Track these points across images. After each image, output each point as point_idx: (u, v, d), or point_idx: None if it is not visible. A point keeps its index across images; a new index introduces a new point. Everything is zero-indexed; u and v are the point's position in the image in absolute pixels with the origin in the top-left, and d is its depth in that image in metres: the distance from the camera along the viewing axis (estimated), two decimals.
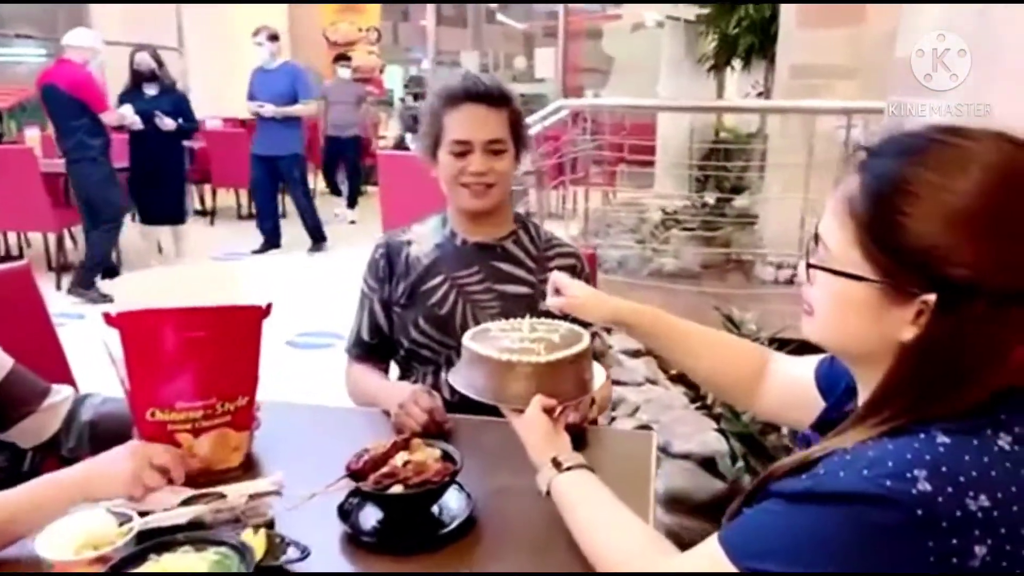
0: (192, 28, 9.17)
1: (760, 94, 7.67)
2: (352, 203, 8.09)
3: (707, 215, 5.56)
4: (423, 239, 1.56)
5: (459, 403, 1.27)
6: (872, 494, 0.66)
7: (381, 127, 10.40)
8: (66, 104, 4.69)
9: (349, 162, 8.02)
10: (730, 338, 1.19)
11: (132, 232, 6.07)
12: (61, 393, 1.23)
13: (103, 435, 1.16)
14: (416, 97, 9.39)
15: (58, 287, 5.01)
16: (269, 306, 1.15)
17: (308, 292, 5.18)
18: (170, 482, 1.03)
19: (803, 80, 4.53)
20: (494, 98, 1.44)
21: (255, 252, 6.36)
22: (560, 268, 1.52)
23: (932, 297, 0.70)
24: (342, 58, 8.40)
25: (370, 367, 1.57)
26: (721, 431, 2.12)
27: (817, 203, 4.18)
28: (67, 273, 5.14)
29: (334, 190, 8.40)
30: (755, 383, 1.12)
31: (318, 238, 6.48)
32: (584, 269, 1.55)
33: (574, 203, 5.05)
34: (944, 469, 0.66)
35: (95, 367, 1.07)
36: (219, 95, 8.48)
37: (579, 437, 1.29)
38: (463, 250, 1.53)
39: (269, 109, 5.87)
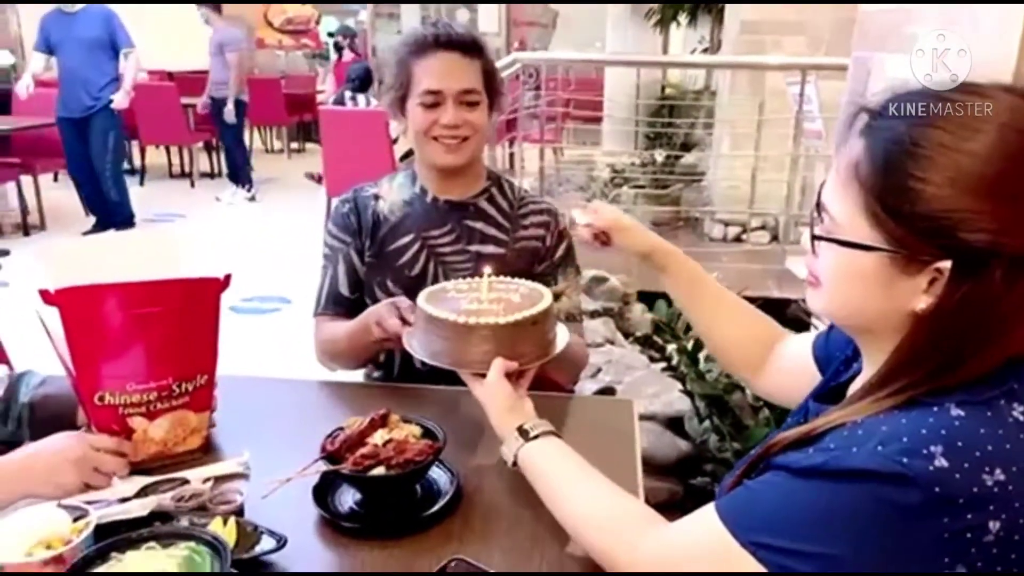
0: None
1: (706, 50, 7.67)
2: (242, 178, 6.74)
3: (656, 172, 5.55)
4: (391, 195, 1.47)
5: (427, 372, 1.21)
6: (888, 472, 0.64)
7: (318, 82, 10.04)
8: None
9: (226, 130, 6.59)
10: (751, 309, 1.14)
11: (56, 192, 5.74)
12: None
13: (44, 419, 1.06)
14: (340, 51, 8.53)
15: None
16: (228, 277, 1.05)
17: (250, 254, 4.99)
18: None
19: (752, 35, 4.52)
20: (467, 46, 1.35)
21: (85, 233, 5.27)
22: (535, 225, 1.46)
23: (947, 264, 0.66)
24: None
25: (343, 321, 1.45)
26: (686, 391, 2.11)
27: (768, 159, 4.21)
28: None
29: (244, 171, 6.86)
30: (763, 360, 1.09)
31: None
32: (559, 226, 1.48)
33: (522, 161, 4.96)
34: (960, 444, 0.64)
35: (28, 341, 0.95)
36: (142, 46, 8.00)
37: (558, 407, 1.25)
38: (434, 208, 1.44)
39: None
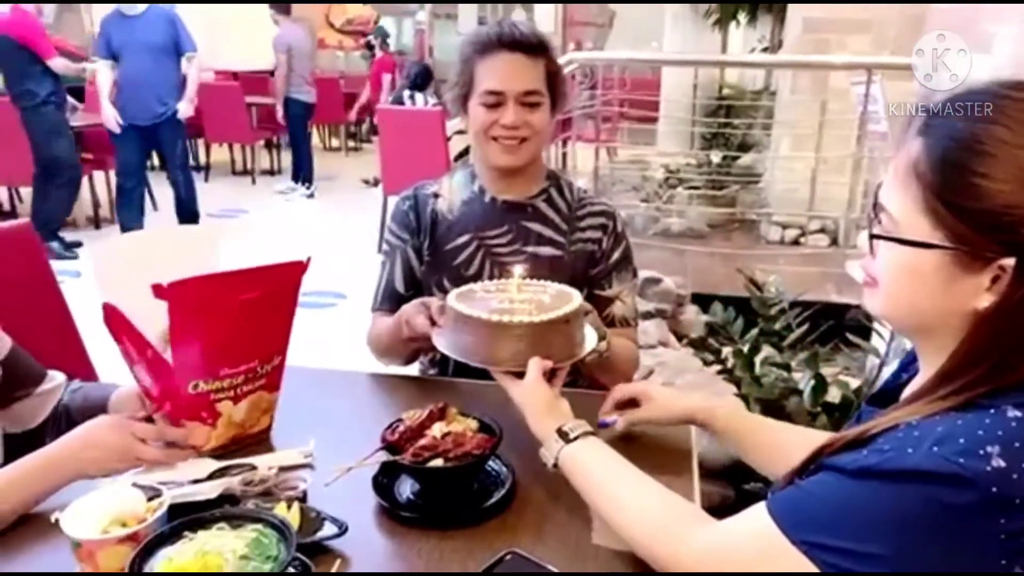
0: None
1: (766, 49, 7.53)
2: (306, 177, 7.00)
3: (711, 173, 5.47)
4: (450, 193, 1.48)
5: (483, 369, 1.23)
6: (945, 472, 0.63)
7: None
8: (14, 52, 4.63)
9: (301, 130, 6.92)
10: (796, 434, 1.09)
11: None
12: (55, 380, 1.16)
13: (78, 422, 1.10)
14: (372, 50, 8.18)
15: None
16: (308, 259, 1.09)
17: (307, 250, 5.09)
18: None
19: (816, 34, 4.42)
20: (530, 46, 1.35)
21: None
22: (592, 227, 1.46)
23: (1011, 261, 0.66)
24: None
25: None
26: (741, 396, 2.09)
27: (829, 161, 4.12)
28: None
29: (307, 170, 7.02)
30: None
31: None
32: (617, 227, 1.48)
33: (575, 161, 4.95)
34: (1018, 445, 0.64)
35: (100, 328, 1.00)
36: (209, 47, 8.25)
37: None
38: (492, 208, 1.45)
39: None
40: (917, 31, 2.07)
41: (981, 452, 0.63)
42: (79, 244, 4.96)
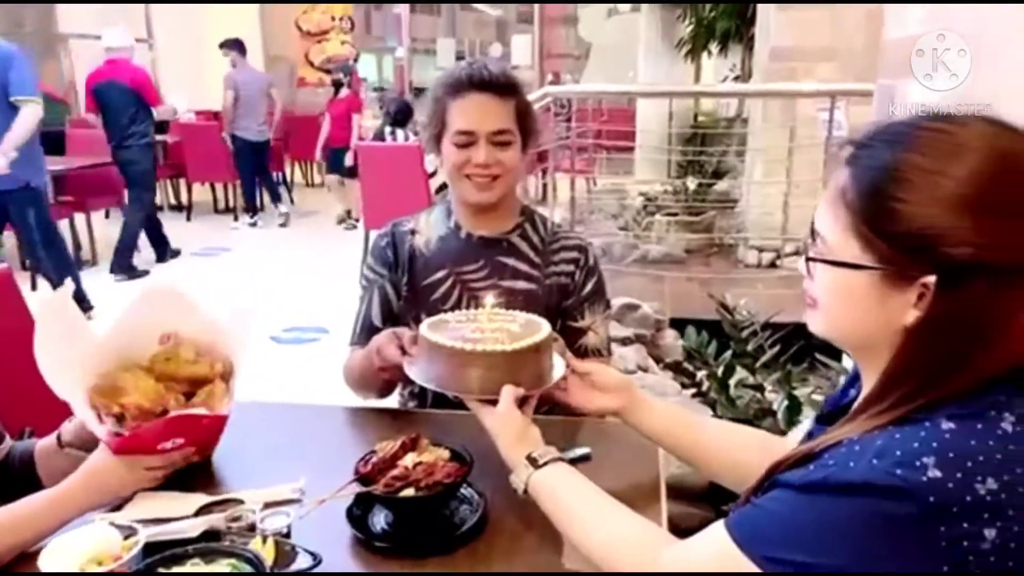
0: (161, 20, 9.00)
1: (737, 78, 7.70)
2: (277, 197, 7.45)
3: (688, 200, 5.57)
4: (427, 230, 1.53)
5: (461, 401, 1.25)
6: (884, 485, 0.67)
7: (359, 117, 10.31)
8: (124, 97, 5.28)
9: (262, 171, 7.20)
10: (737, 434, 1.13)
11: (109, 228, 5.97)
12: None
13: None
14: (338, 87, 7.41)
15: (33, 287, 4.88)
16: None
17: (289, 285, 5.12)
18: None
19: (783, 63, 4.54)
20: (500, 87, 1.39)
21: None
22: (565, 261, 1.50)
23: (932, 278, 0.70)
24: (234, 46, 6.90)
25: None
26: (717, 417, 2.12)
27: (801, 186, 4.21)
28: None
29: (249, 202, 7.33)
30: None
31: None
32: (589, 261, 1.52)
33: (554, 191, 5.03)
34: (952, 455, 0.67)
35: None
36: (190, 87, 8.32)
37: (581, 430, 1.27)
38: (468, 244, 1.49)
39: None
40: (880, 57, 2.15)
41: (917, 464, 0.66)
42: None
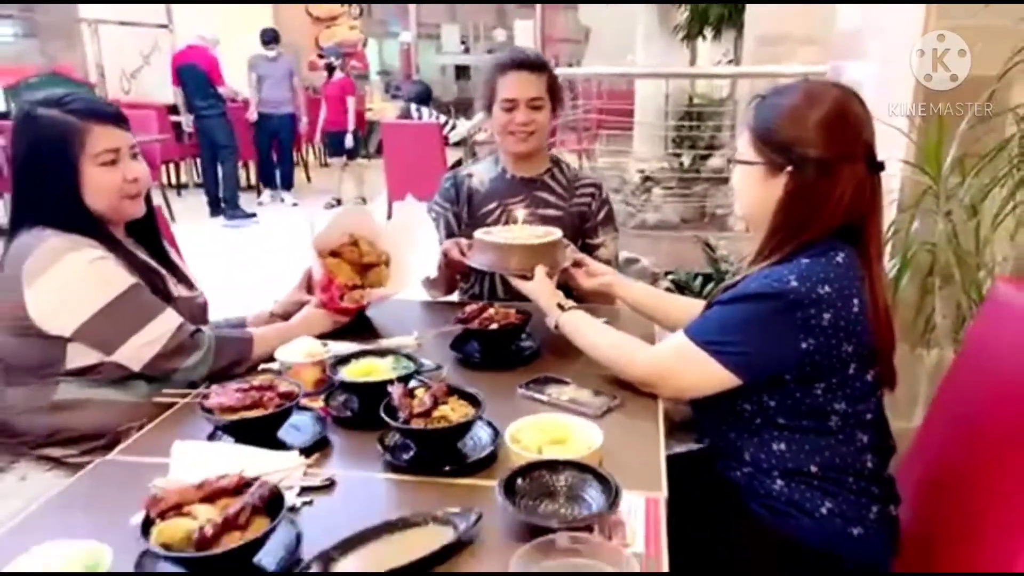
0: (180, 6, 9.39)
1: (730, 62, 8.16)
2: (289, 184, 8.04)
3: (683, 175, 6.06)
4: (480, 174, 2.05)
5: (506, 295, 1.80)
6: (765, 292, 1.19)
7: (367, 100, 10.77)
8: (198, 77, 6.81)
9: (283, 143, 7.81)
10: (690, 303, 1.66)
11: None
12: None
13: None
14: (331, 71, 7.72)
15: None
16: None
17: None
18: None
19: (768, 48, 5.03)
20: (535, 65, 1.92)
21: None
22: (584, 195, 2.03)
23: (790, 168, 1.22)
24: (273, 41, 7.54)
25: None
26: None
27: None
28: None
29: (267, 178, 8.03)
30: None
31: None
32: (602, 195, 2.05)
33: None
34: (805, 273, 1.18)
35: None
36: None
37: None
38: (512, 182, 2.02)
39: None
40: (857, 41, 2.63)
41: (784, 279, 1.18)
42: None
